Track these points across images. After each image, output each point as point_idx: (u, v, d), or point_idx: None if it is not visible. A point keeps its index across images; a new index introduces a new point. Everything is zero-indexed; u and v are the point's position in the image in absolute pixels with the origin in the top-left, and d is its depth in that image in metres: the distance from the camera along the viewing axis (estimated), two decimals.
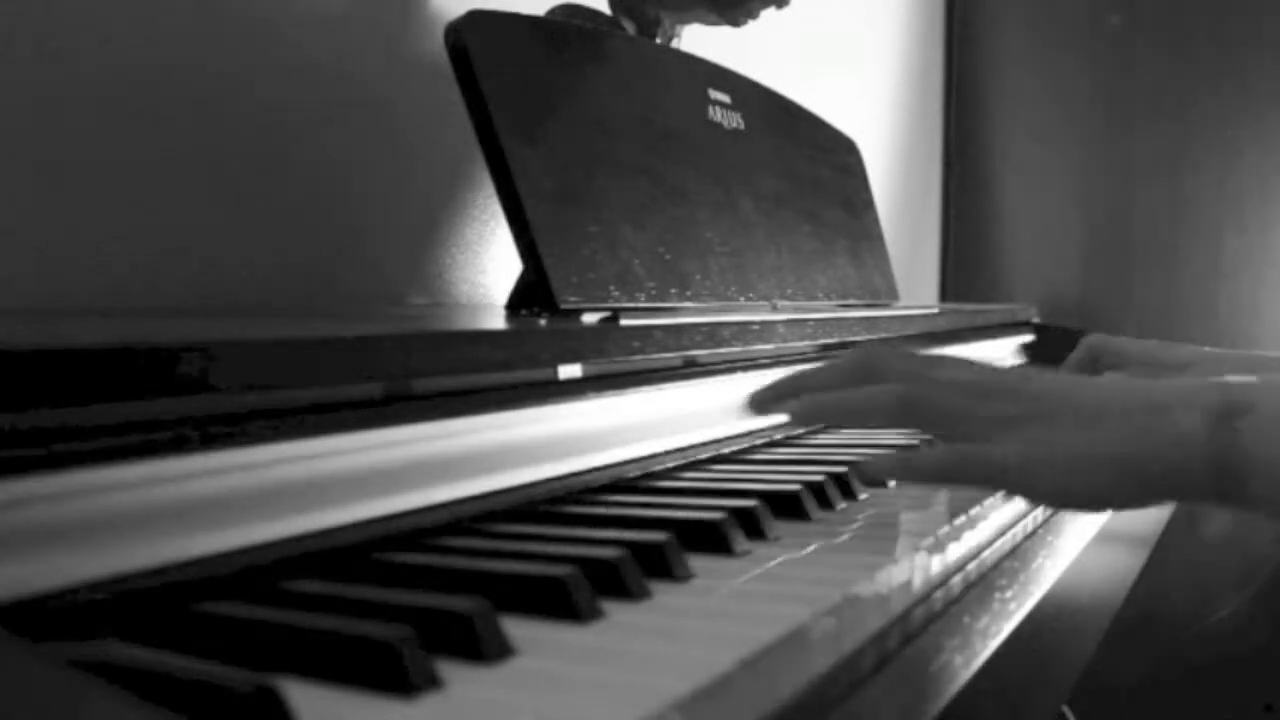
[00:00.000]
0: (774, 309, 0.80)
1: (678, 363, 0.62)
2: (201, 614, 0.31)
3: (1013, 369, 0.51)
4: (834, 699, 0.31)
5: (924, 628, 0.38)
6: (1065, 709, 1.43)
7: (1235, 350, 0.84)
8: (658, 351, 0.59)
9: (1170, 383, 0.46)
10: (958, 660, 0.35)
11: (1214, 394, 0.43)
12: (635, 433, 0.57)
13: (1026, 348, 1.44)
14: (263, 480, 0.36)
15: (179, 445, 0.33)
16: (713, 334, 0.64)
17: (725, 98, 0.86)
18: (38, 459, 0.30)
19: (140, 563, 0.32)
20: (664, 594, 0.36)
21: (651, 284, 0.68)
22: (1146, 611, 1.67)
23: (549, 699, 0.27)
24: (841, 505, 0.51)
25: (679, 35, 0.91)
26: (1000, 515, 0.52)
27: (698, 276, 0.73)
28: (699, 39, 0.93)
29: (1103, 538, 0.60)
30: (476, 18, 0.63)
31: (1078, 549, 0.53)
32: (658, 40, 0.88)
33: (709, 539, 0.42)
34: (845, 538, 0.45)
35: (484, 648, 0.29)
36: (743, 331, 0.67)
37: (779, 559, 0.41)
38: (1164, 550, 0.99)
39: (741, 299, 0.77)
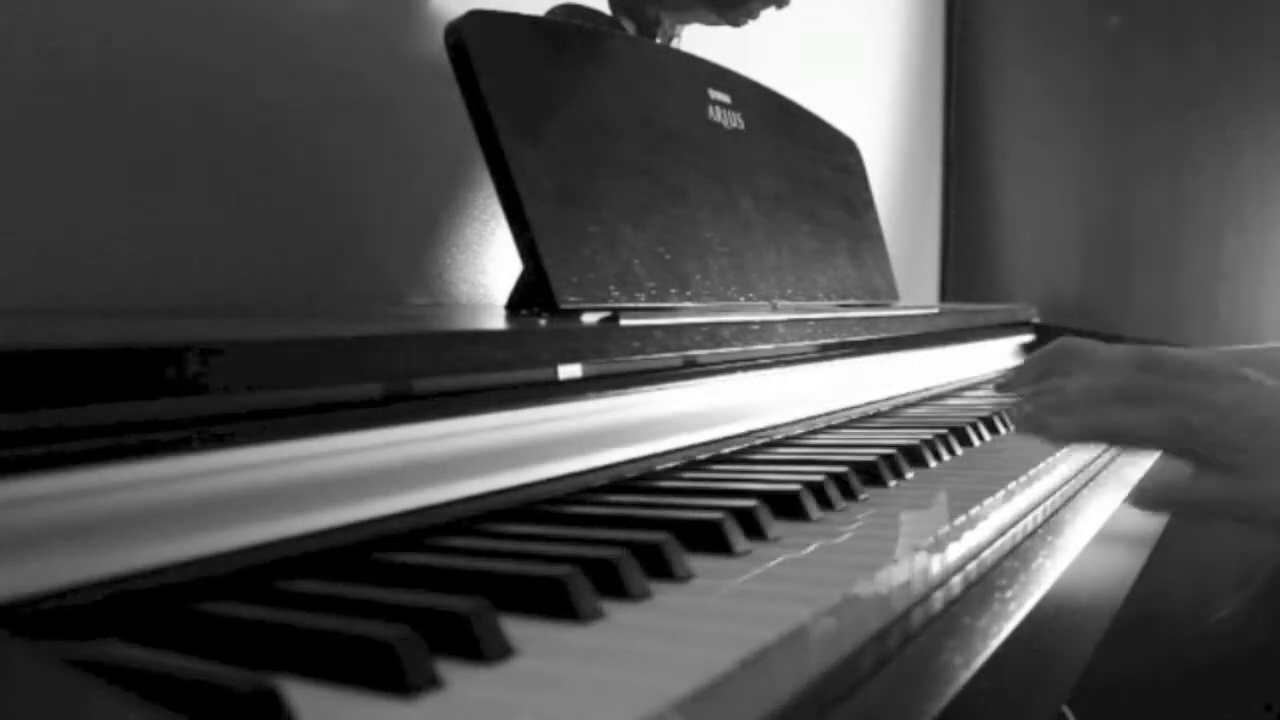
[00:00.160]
0: (774, 309, 0.80)
1: (678, 363, 0.62)
2: (201, 614, 0.31)
3: None
4: (834, 699, 0.31)
5: (924, 628, 0.38)
6: (1065, 709, 1.43)
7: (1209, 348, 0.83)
8: (658, 351, 0.59)
9: None
10: (958, 660, 0.35)
11: None
12: (635, 433, 0.57)
13: (1026, 348, 1.44)
14: (262, 480, 0.36)
15: (179, 445, 0.33)
16: (713, 334, 0.64)
17: (725, 98, 0.86)
18: (38, 459, 0.30)
19: (140, 563, 0.32)
20: (664, 594, 0.36)
21: (651, 284, 0.68)
22: (1146, 611, 1.67)
23: (549, 699, 0.27)
24: (841, 505, 0.51)
25: (679, 35, 0.91)
26: (1000, 515, 0.52)
27: (698, 276, 0.73)
28: (699, 39, 0.93)
29: (1103, 538, 0.60)
30: (476, 18, 0.63)
31: (1078, 549, 0.53)
32: (658, 40, 0.88)
33: (709, 539, 0.42)
34: (845, 538, 0.45)
35: (484, 648, 0.29)
36: (743, 331, 0.67)
37: (779, 559, 0.41)
38: (1164, 550, 0.98)
39: (741, 299, 0.77)
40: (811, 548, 0.43)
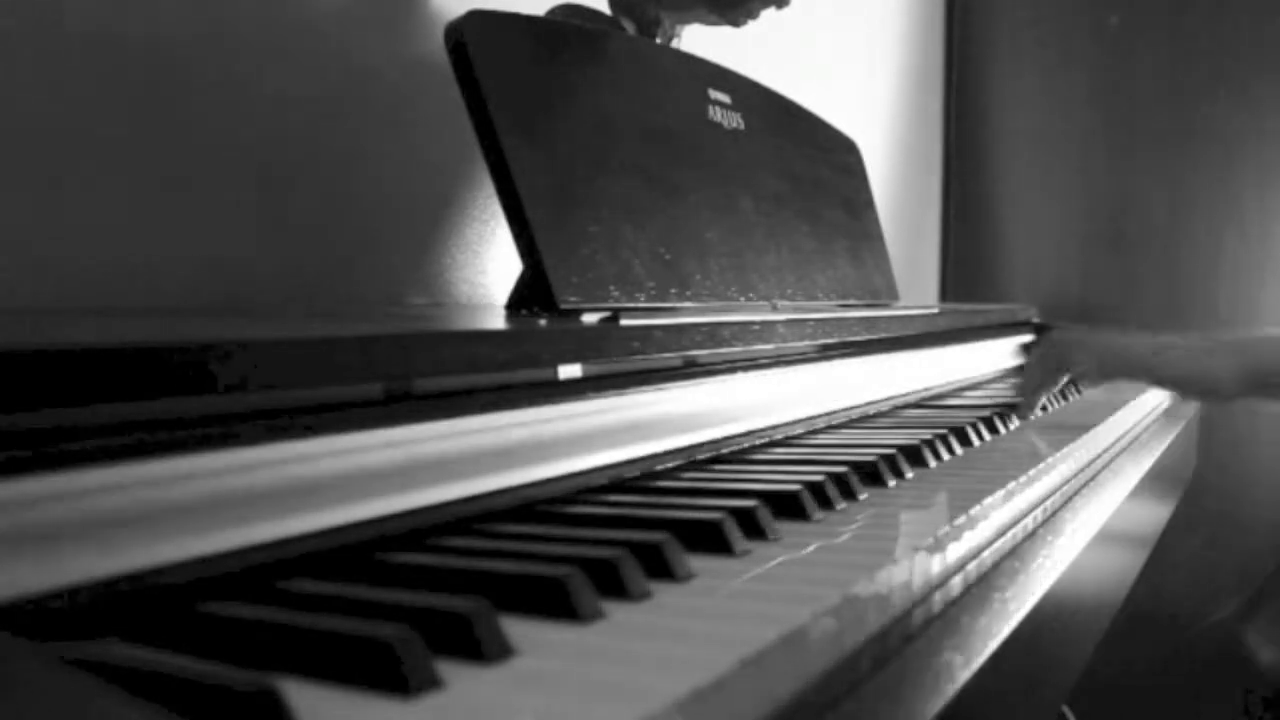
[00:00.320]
0: (774, 309, 0.80)
1: (678, 363, 0.62)
2: (201, 614, 0.31)
3: None
4: (834, 699, 0.31)
5: (924, 628, 0.38)
6: (1065, 709, 1.43)
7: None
8: (658, 351, 0.59)
9: None
10: (957, 660, 0.36)
11: None
12: (635, 433, 0.57)
13: (1026, 348, 1.44)
14: (263, 480, 0.36)
15: (179, 445, 0.33)
16: (713, 334, 0.64)
17: (725, 98, 0.86)
18: (38, 459, 0.30)
19: (140, 563, 0.32)
20: (664, 594, 0.36)
21: (651, 284, 0.68)
22: (1146, 611, 1.67)
23: (549, 699, 0.27)
24: (841, 505, 0.51)
25: (679, 35, 0.91)
26: (1000, 515, 0.52)
27: (698, 276, 0.73)
28: (699, 39, 0.93)
29: (1103, 538, 0.60)
30: (476, 17, 0.63)
31: (1078, 549, 0.53)
32: (658, 40, 0.88)
33: (709, 539, 0.42)
34: (845, 538, 0.45)
35: (484, 648, 0.29)
36: (743, 331, 0.67)
37: (779, 559, 0.41)
38: (1164, 550, 0.99)
39: (741, 299, 0.77)
40: (811, 548, 0.43)
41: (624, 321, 0.58)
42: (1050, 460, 0.65)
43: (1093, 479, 0.70)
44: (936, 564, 0.43)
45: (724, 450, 0.64)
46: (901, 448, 0.62)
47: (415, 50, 0.85)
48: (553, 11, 0.82)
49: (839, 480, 0.53)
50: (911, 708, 0.32)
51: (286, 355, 0.37)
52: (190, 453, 0.34)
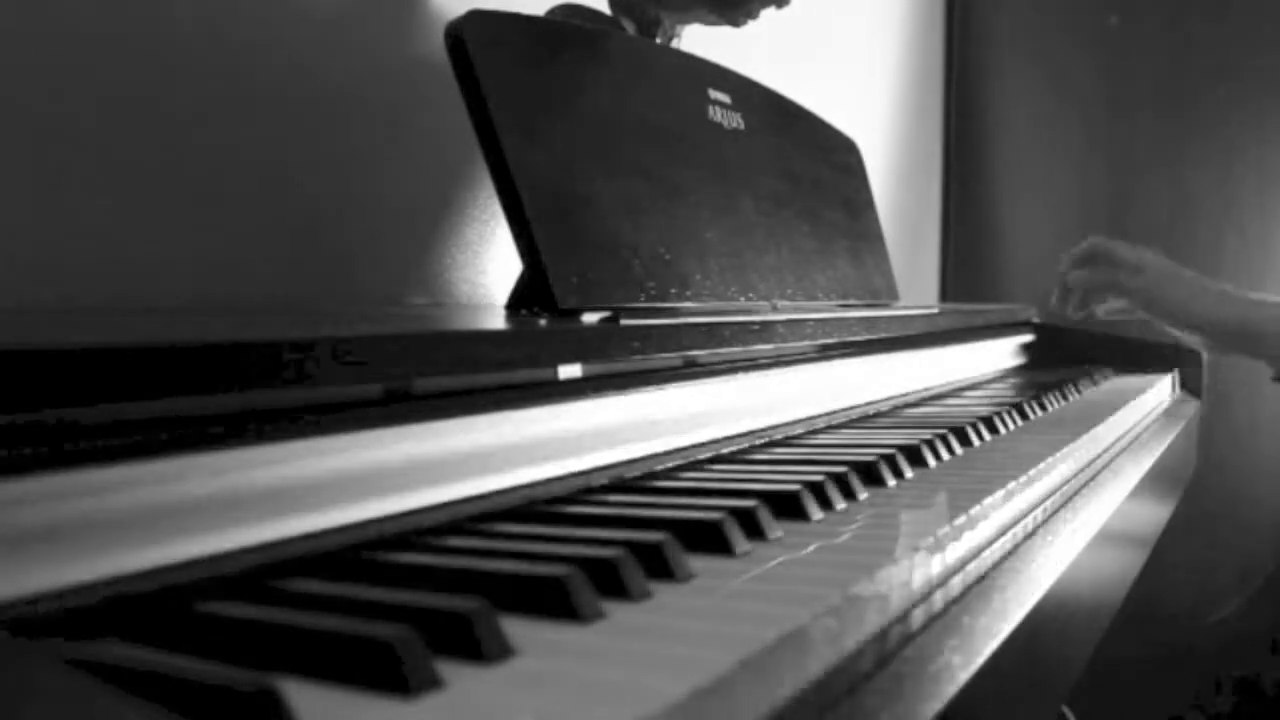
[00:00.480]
0: (774, 309, 0.80)
1: (678, 363, 0.62)
2: (201, 614, 0.31)
3: None
4: (834, 699, 0.31)
5: (924, 628, 0.38)
6: (1065, 709, 1.43)
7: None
8: (658, 351, 0.59)
9: None
10: (958, 660, 0.36)
11: None
12: (635, 433, 0.57)
13: (1026, 347, 1.44)
14: (262, 480, 0.36)
15: (178, 445, 0.33)
16: (713, 334, 0.64)
17: (725, 98, 0.86)
18: (38, 459, 0.30)
19: (140, 563, 0.32)
20: (664, 594, 0.36)
21: (651, 284, 0.68)
22: (1146, 611, 1.67)
23: (549, 699, 0.27)
24: (841, 505, 0.51)
25: (679, 35, 0.91)
26: (1000, 515, 0.52)
27: (698, 276, 0.73)
28: (699, 39, 0.93)
29: (1103, 538, 0.60)
30: (476, 18, 0.63)
31: (1078, 549, 0.53)
32: (658, 40, 0.88)
33: (709, 539, 0.42)
34: (845, 538, 0.45)
35: (484, 648, 0.29)
36: (743, 331, 0.67)
37: (779, 559, 0.41)
38: (1164, 550, 0.99)
39: (741, 299, 0.77)
40: (811, 548, 0.43)
41: (624, 321, 0.58)
42: (1050, 460, 0.65)
43: (1093, 479, 0.70)
44: (937, 564, 0.43)
45: (724, 450, 0.64)
46: (901, 448, 0.62)
47: (415, 50, 0.85)
48: (553, 11, 0.82)
49: (839, 480, 0.53)
50: (911, 708, 0.32)
51: (286, 355, 0.37)
52: (190, 453, 0.34)
